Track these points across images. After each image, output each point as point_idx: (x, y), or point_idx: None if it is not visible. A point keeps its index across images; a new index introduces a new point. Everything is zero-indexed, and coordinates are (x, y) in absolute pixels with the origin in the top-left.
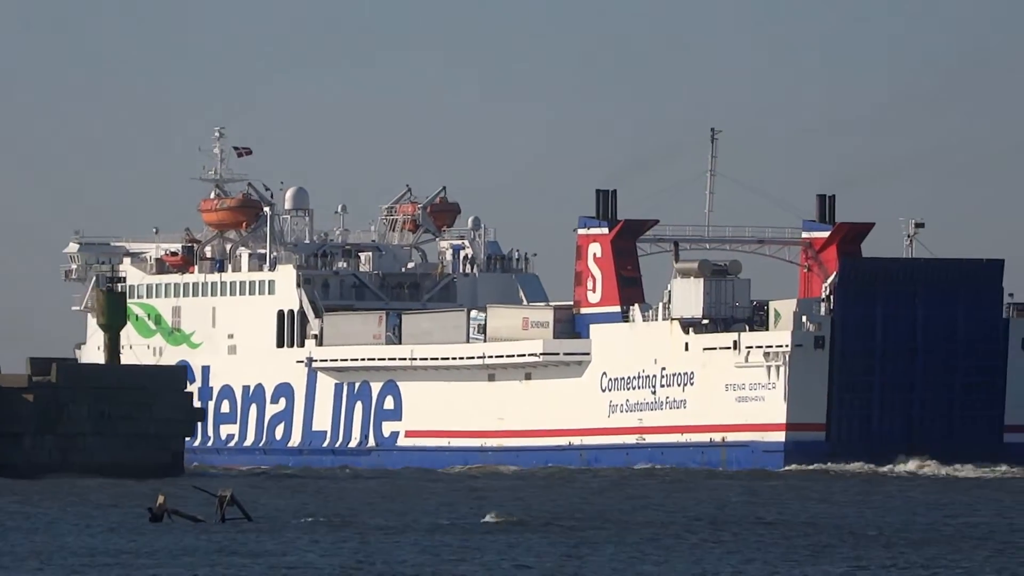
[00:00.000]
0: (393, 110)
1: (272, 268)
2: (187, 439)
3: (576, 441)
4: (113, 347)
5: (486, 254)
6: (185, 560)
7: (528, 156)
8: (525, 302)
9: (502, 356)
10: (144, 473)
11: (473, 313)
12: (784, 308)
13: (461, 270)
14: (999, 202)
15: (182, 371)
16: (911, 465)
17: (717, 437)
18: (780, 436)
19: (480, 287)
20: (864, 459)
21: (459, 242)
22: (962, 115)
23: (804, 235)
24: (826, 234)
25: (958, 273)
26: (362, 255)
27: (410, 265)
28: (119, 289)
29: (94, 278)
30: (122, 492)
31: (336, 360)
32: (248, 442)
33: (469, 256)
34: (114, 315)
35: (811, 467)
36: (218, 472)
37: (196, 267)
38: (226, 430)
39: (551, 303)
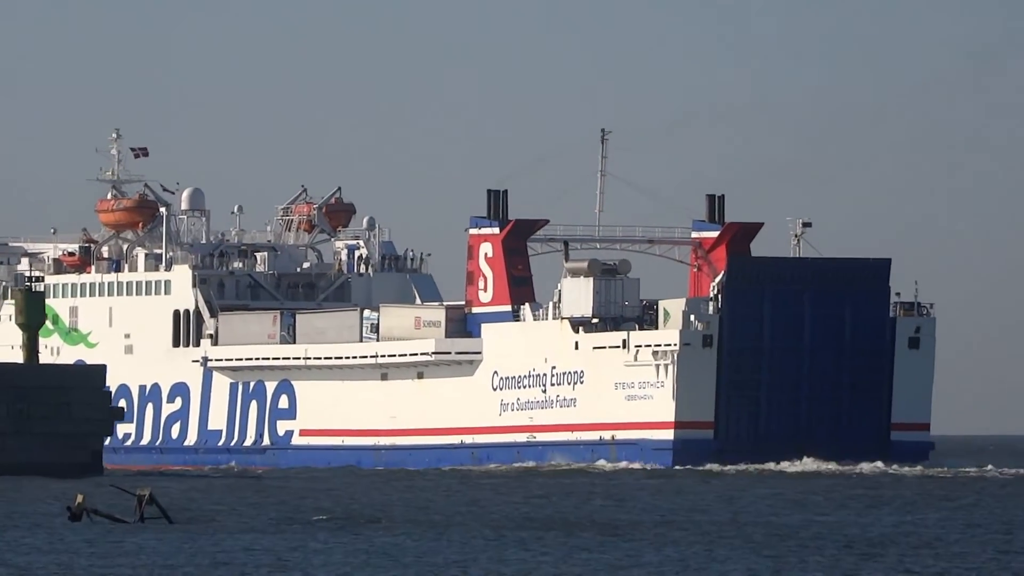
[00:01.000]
0: (289, 111)
1: (168, 268)
2: (106, 438)
3: (468, 440)
4: (32, 346)
5: (381, 254)
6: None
7: (423, 157)
8: (419, 302)
9: (395, 355)
10: (63, 472)
11: (366, 313)
12: (673, 307)
13: (356, 270)
14: (886, 202)
15: (101, 370)
16: (803, 464)
17: (607, 435)
18: (669, 434)
19: (375, 287)
20: (752, 458)
21: (354, 242)
22: (851, 114)
23: (694, 235)
24: (715, 234)
25: (845, 272)
26: (258, 255)
27: (305, 265)
28: (37, 288)
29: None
30: (42, 491)
31: (231, 360)
32: (144, 441)
33: (364, 256)
34: (33, 314)
35: (700, 467)
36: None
37: (93, 267)
38: (123, 429)
39: (444, 303)
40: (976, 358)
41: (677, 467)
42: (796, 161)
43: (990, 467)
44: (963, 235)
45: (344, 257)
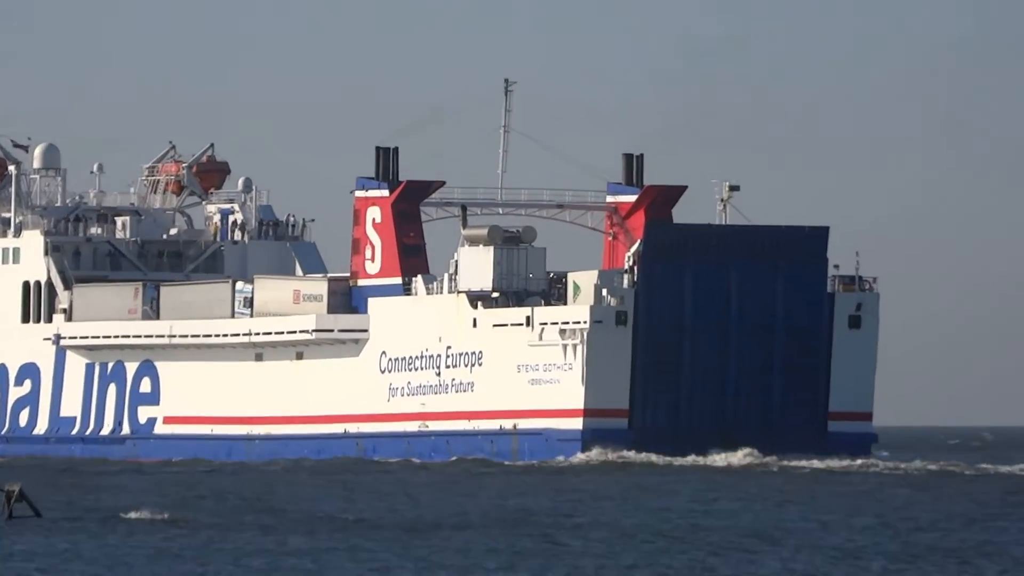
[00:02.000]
0: (156, 59)
1: (17, 234)
2: None
3: (352, 428)
4: None
5: (258, 219)
6: None
7: (305, 110)
8: (301, 273)
9: (270, 333)
10: None
11: (239, 285)
12: (584, 280)
13: (230, 237)
14: (823, 164)
15: None
16: (726, 456)
17: (508, 424)
18: (577, 423)
19: (250, 256)
20: (671, 449)
21: (228, 206)
22: (783, 67)
23: (609, 199)
24: (633, 198)
25: (777, 241)
26: (119, 220)
27: (173, 231)
28: None
29: None
30: None
31: (87, 337)
32: None
33: (239, 222)
34: None
35: (611, 457)
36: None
37: None
38: None
39: (328, 274)
40: (924, 339)
41: (585, 456)
42: (724, 118)
43: (917, 461)
44: (908, 199)
45: (217, 223)
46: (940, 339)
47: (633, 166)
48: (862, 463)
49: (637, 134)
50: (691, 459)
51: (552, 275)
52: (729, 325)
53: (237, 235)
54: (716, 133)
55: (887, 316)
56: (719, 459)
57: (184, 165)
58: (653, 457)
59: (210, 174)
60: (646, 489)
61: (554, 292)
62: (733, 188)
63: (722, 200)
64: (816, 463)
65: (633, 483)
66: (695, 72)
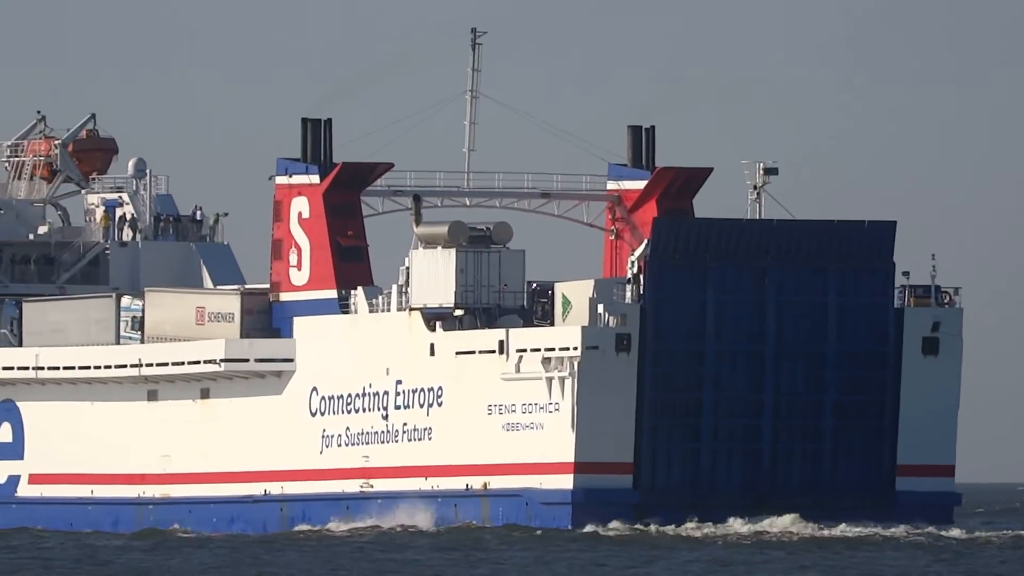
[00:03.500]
0: (18, 6)
1: None
2: None
3: (275, 489)
4: None
5: (154, 213)
6: None
7: (213, 72)
8: (210, 283)
9: (167, 364)
10: None
11: (125, 300)
12: (577, 293)
13: (117, 237)
14: (890, 139)
15: None
16: (765, 523)
17: (476, 483)
18: (567, 482)
19: (144, 262)
20: (688, 515)
21: (114, 196)
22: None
23: (610, 186)
24: (641, 184)
25: (829, 240)
26: None
27: (42, 230)
28: None
29: None
30: None
31: None
32: None
33: (129, 216)
34: None
35: (610, 528)
36: None
37: None
38: None
39: (244, 286)
40: (1021, 366)
41: (579, 529)
42: (755, 79)
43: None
44: (999, 188)
45: (100, 218)
46: None
47: (642, 143)
48: (942, 533)
49: (646, 101)
50: (708, 528)
51: (535, 286)
52: (765, 351)
53: (127, 234)
54: (747, 101)
55: (973, 337)
56: (742, 527)
57: (57, 142)
58: (666, 527)
59: (91, 154)
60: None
61: (537, 309)
62: (770, 171)
63: (755, 187)
64: (880, 531)
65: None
66: (720, 21)
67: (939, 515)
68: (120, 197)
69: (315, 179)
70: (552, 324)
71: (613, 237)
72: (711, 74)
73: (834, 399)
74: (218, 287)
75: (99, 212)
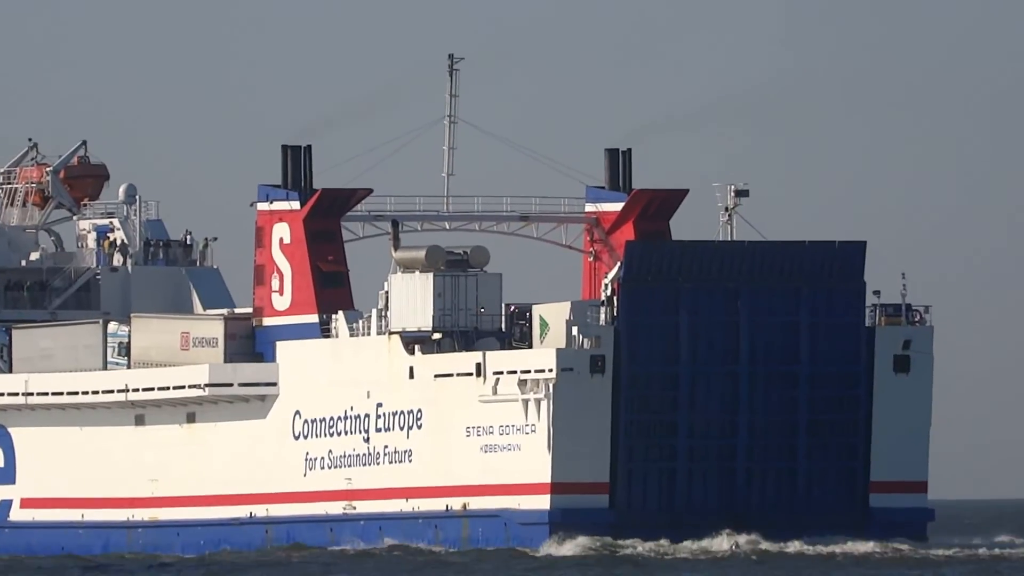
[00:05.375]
0: (12, 35)
1: None
2: None
3: (259, 511)
4: None
5: (144, 238)
6: None
7: (203, 100)
8: (201, 308)
9: (152, 389)
10: None
11: (112, 327)
12: (554, 315)
13: (108, 262)
14: (858, 162)
15: None
16: (730, 541)
17: (456, 504)
18: (544, 502)
19: (135, 287)
20: (665, 534)
21: (105, 222)
22: (807, 40)
23: (588, 208)
24: (619, 206)
25: (800, 261)
26: None
27: (34, 256)
28: None
29: None
30: None
31: None
32: None
33: (119, 242)
34: None
35: (590, 547)
36: None
37: None
38: None
39: (234, 310)
40: (991, 383)
41: (552, 550)
42: (729, 104)
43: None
44: (968, 207)
45: (91, 243)
46: (1011, 385)
47: (619, 165)
48: (916, 548)
49: (624, 125)
50: (687, 544)
51: (513, 309)
52: (738, 372)
53: (117, 259)
54: (725, 122)
55: (943, 356)
56: (714, 543)
57: (49, 169)
58: (642, 546)
59: (83, 180)
60: None
61: (516, 331)
62: (740, 193)
63: (726, 209)
64: (857, 547)
65: None
66: (693, 44)
67: (913, 531)
68: (111, 222)
69: (295, 205)
70: (531, 346)
71: (592, 259)
72: (686, 97)
73: (807, 418)
74: (200, 313)
75: (90, 239)
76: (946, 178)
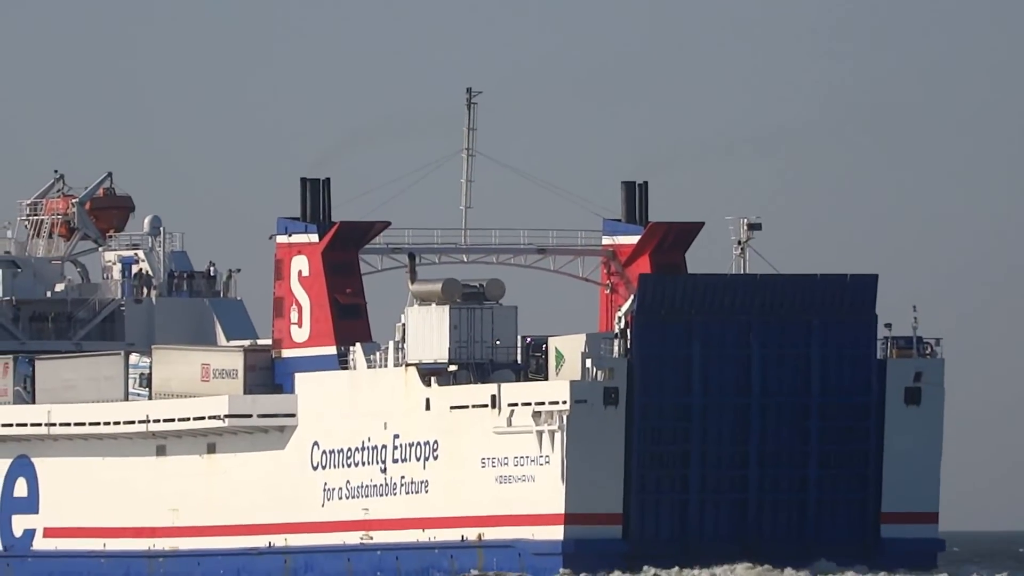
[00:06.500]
0: (38, 66)
1: None
2: None
3: (278, 541)
4: None
5: (168, 270)
6: None
7: (227, 132)
8: (224, 339)
9: (173, 420)
10: None
11: (133, 358)
12: (570, 347)
13: (133, 294)
14: (870, 197)
15: None
16: (744, 569)
17: (471, 534)
18: (557, 533)
19: (159, 318)
20: (677, 563)
21: (130, 254)
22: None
23: (605, 241)
24: (635, 239)
25: (812, 294)
26: None
27: (59, 288)
28: None
29: None
30: None
31: None
32: None
33: (144, 273)
34: None
35: None
36: None
37: None
38: None
39: (257, 341)
40: (1003, 416)
41: None
42: (745, 137)
43: None
44: (977, 243)
45: (116, 275)
46: (1021, 416)
47: (636, 198)
48: None
49: (641, 158)
50: (695, 573)
51: (530, 341)
52: (750, 403)
53: (143, 291)
54: (741, 156)
55: (955, 388)
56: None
57: (74, 201)
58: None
59: (108, 212)
60: None
61: (532, 363)
62: (753, 227)
63: (739, 242)
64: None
65: None
66: (709, 72)
67: (924, 561)
68: (136, 254)
69: (314, 238)
70: (547, 378)
71: (608, 291)
72: (704, 131)
73: (819, 449)
74: (221, 345)
75: (115, 270)
76: (958, 212)
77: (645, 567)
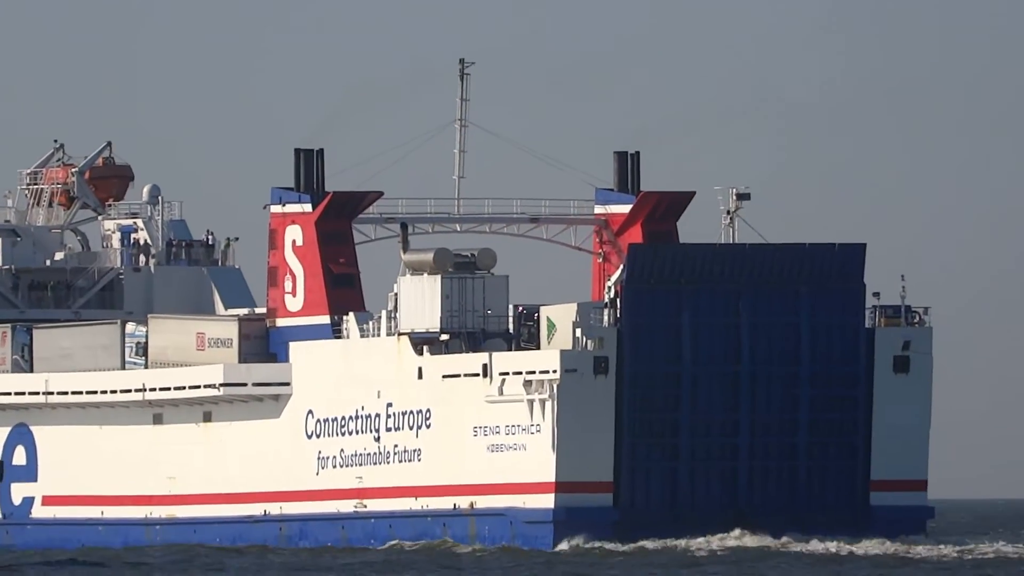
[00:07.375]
0: (37, 38)
1: None
2: None
3: (273, 509)
4: None
5: (167, 239)
6: None
7: (226, 101)
8: (222, 309)
9: (169, 388)
10: None
11: (129, 327)
12: (562, 316)
13: (132, 262)
14: (858, 164)
15: None
16: (734, 537)
17: (463, 502)
18: (548, 501)
19: (157, 287)
20: (668, 532)
21: (129, 223)
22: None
23: (597, 210)
24: (627, 208)
25: (800, 263)
26: None
27: (59, 256)
28: None
29: None
30: None
31: None
32: None
33: (143, 242)
34: None
35: (593, 544)
36: None
37: None
38: None
39: (240, 312)
40: (991, 383)
41: (561, 547)
42: (736, 108)
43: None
44: (965, 211)
45: (116, 243)
46: (1009, 385)
47: (628, 168)
48: (914, 546)
49: (633, 127)
50: (684, 542)
51: (521, 310)
52: (740, 372)
53: (142, 259)
54: (732, 125)
55: (942, 357)
56: (714, 541)
57: (74, 170)
58: (646, 544)
59: (107, 181)
60: None
61: (524, 332)
62: (742, 196)
63: (728, 212)
64: (854, 548)
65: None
66: (702, 44)
67: (912, 528)
68: (135, 223)
69: (308, 208)
70: (538, 347)
71: (601, 260)
72: (694, 100)
73: (808, 417)
74: (216, 314)
75: (114, 239)
76: (945, 180)
77: (636, 535)
